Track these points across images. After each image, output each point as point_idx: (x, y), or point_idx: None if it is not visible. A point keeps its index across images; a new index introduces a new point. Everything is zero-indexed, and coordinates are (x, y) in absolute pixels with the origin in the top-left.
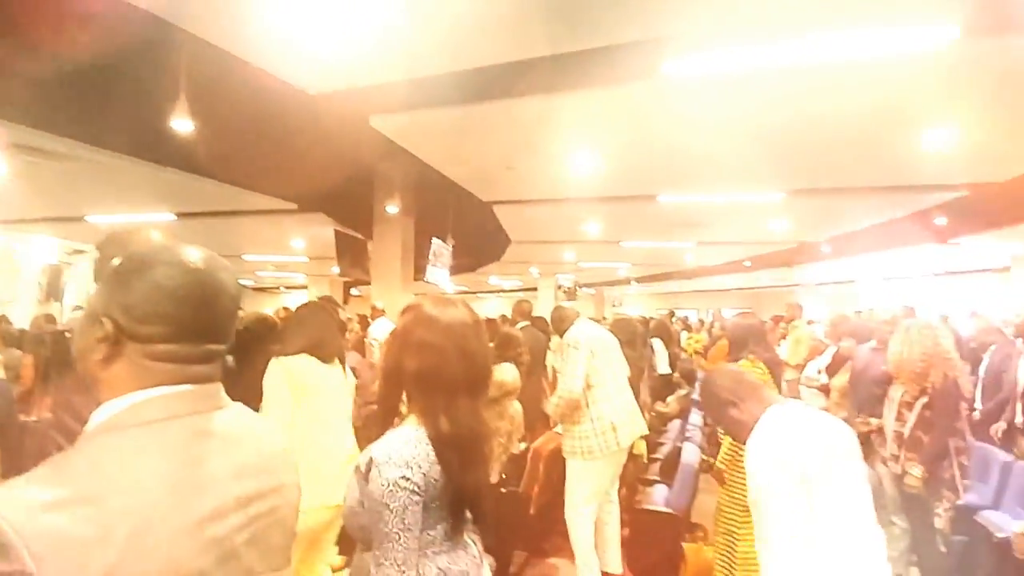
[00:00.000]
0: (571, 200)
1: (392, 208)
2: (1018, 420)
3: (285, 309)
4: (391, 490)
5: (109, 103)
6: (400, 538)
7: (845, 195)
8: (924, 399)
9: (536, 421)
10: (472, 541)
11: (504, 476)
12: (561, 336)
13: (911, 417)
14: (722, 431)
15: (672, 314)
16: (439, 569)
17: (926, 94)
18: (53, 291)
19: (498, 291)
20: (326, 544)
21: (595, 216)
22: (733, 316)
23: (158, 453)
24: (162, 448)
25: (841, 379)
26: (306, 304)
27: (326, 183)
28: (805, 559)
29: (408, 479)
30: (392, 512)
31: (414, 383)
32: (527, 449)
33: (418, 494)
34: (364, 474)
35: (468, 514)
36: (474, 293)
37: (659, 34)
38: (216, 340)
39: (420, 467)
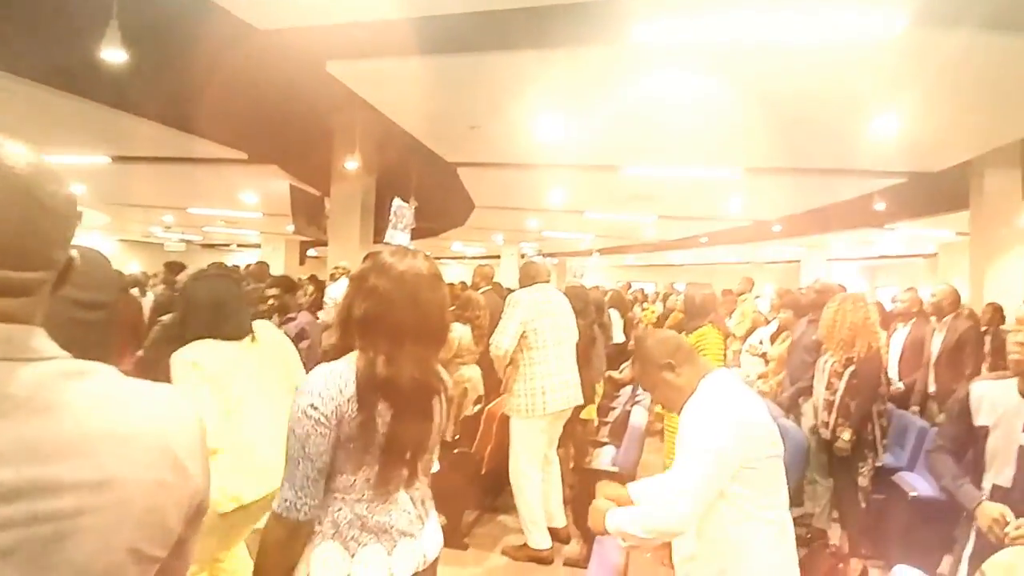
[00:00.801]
0: (536, 166)
1: (351, 164)
2: (931, 388)
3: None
4: (298, 416)
5: (29, 25)
6: (300, 464)
7: (796, 175)
8: (852, 368)
9: (493, 384)
10: (410, 498)
11: (457, 437)
12: None
13: (840, 385)
14: (652, 398)
15: (629, 286)
16: (355, 515)
17: (874, 82)
18: None
19: (460, 257)
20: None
21: (560, 184)
22: (688, 285)
23: None
24: None
25: (779, 348)
26: (192, 275)
27: (278, 132)
28: (768, 512)
29: (316, 408)
30: (295, 437)
31: (361, 326)
32: (481, 411)
33: (324, 425)
34: None
35: (405, 470)
36: (437, 259)
37: None
38: (24, 266)
39: (333, 399)
